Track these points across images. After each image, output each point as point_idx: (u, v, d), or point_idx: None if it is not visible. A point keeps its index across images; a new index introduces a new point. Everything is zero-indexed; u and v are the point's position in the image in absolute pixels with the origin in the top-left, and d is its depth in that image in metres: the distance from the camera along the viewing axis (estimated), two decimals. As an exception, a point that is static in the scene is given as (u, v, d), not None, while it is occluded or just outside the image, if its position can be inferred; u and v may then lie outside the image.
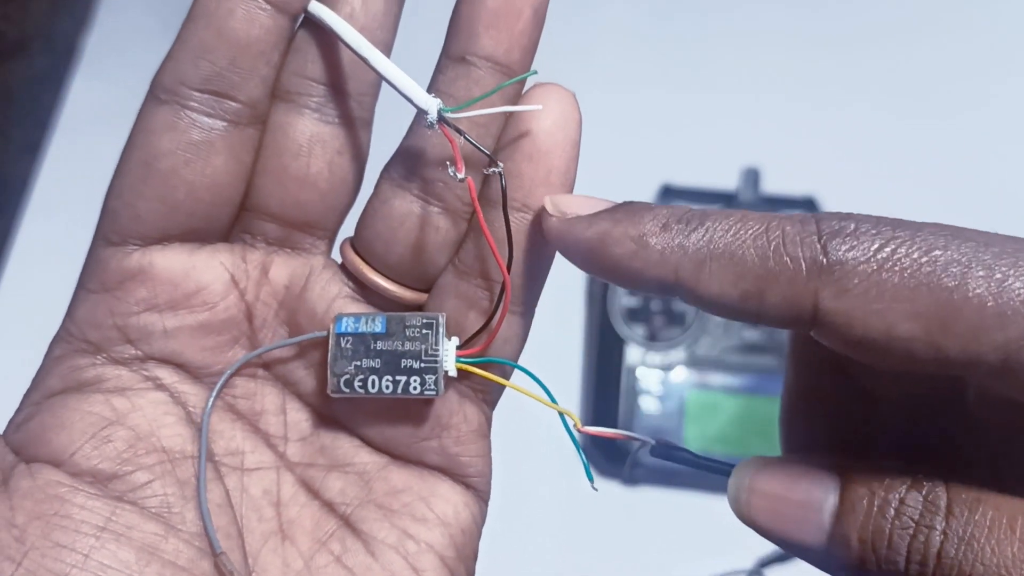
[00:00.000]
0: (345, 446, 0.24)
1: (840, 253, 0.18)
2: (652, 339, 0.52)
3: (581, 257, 0.21)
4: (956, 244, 0.18)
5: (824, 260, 0.18)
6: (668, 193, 0.56)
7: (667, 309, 0.52)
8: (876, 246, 0.18)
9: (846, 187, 0.56)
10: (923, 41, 0.62)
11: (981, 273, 0.17)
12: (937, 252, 0.18)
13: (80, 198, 0.54)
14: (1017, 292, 0.17)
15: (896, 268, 0.18)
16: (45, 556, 0.20)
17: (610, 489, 0.50)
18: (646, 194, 0.57)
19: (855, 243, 0.18)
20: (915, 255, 0.18)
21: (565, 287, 0.56)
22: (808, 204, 0.55)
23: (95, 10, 0.63)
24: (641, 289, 0.20)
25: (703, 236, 0.19)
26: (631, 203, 0.21)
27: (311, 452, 0.24)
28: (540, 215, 0.22)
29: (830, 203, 0.55)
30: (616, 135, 0.58)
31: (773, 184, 0.56)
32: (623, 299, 0.53)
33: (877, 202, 0.55)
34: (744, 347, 0.52)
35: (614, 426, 0.51)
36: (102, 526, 0.21)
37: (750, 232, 0.19)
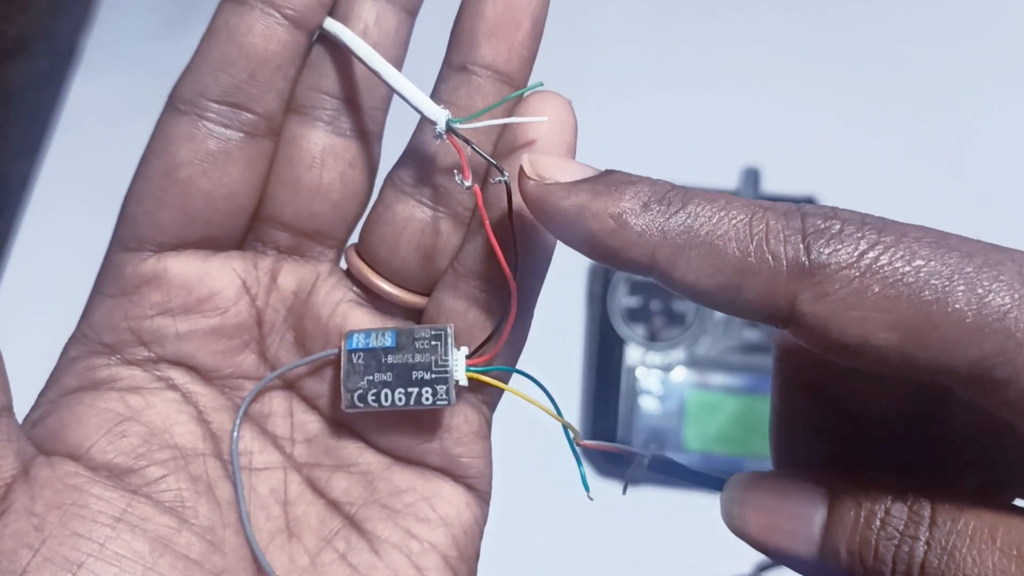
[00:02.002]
0: (349, 447, 0.25)
1: (823, 256, 0.18)
2: (652, 339, 0.52)
3: (557, 227, 0.21)
4: (940, 254, 0.18)
5: (806, 262, 0.18)
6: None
7: (667, 309, 0.53)
8: (860, 251, 0.18)
9: (846, 187, 0.56)
10: (924, 41, 0.62)
11: (962, 287, 0.17)
12: (920, 262, 0.17)
13: (80, 198, 0.54)
14: (996, 308, 0.17)
15: (878, 276, 0.17)
16: (62, 544, 0.21)
17: (610, 489, 0.50)
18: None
19: (839, 245, 0.18)
20: (898, 264, 0.17)
21: (565, 287, 0.56)
22: (808, 204, 0.55)
23: (95, 10, 0.63)
24: (615, 267, 0.20)
25: (684, 220, 0.19)
26: (612, 173, 0.20)
27: (316, 453, 0.25)
28: (519, 176, 0.21)
29: (830, 203, 0.55)
30: (616, 135, 0.58)
31: (773, 184, 0.56)
32: (623, 299, 0.53)
33: (877, 202, 0.55)
34: (744, 347, 0.52)
35: (614, 426, 0.51)
36: (118, 517, 0.22)
37: (733, 222, 0.18)
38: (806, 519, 0.20)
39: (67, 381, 0.24)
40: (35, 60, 0.62)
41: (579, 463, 0.24)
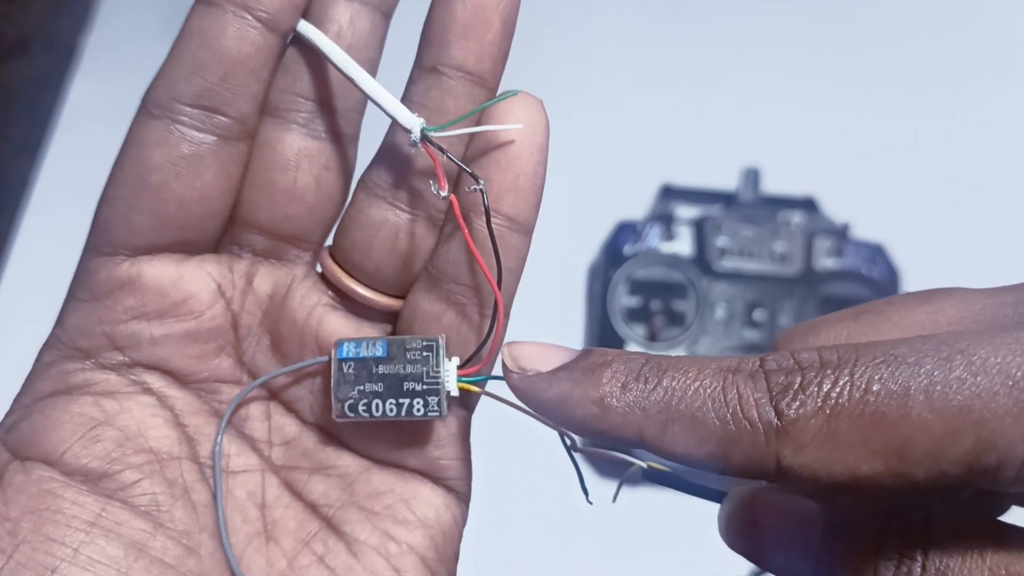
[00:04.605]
0: (327, 450, 0.25)
1: (792, 411, 0.18)
2: (652, 339, 0.52)
3: (545, 415, 0.21)
4: (891, 372, 0.18)
5: (778, 422, 0.18)
6: (668, 193, 0.56)
7: (667, 309, 0.52)
8: (823, 395, 0.18)
9: (846, 187, 0.56)
10: (923, 40, 0.62)
11: (921, 398, 0.18)
12: (876, 387, 0.18)
13: (80, 198, 0.54)
14: (958, 408, 0.17)
15: (843, 414, 0.18)
16: (36, 550, 0.21)
17: (608, 490, 0.49)
18: (646, 194, 0.57)
19: (803, 397, 0.18)
20: (857, 395, 0.18)
21: (565, 287, 0.56)
22: (808, 204, 0.55)
23: (95, 10, 0.63)
24: (608, 444, 0.21)
25: (663, 397, 0.19)
26: (589, 355, 0.21)
27: (294, 456, 0.25)
28: (503, 367, 0.22)
29: (830, 203, 0.55)
30: (616, 135, 0.58)
31: (773, 184, 0.56)
32: (623, 299, 0.53)
33: (877, 202, 0.55)
34: (744, 347, 0.52)
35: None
36: (92, 521, 0.22)
37: (708, 392, 0.19)
38: (804, 537, 0.20)
39: (41, 386, 0.24)
40: (35, 60, 0.62)
41: (578, 470, 0.24)
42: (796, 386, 0.19)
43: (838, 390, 0.18)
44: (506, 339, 0.24)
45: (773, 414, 0.19)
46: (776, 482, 0.19)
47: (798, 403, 0.18)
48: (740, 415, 0.19)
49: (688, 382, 0.19)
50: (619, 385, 0.20)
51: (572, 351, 0.21)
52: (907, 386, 0.18)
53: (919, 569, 0.19)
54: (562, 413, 0.20)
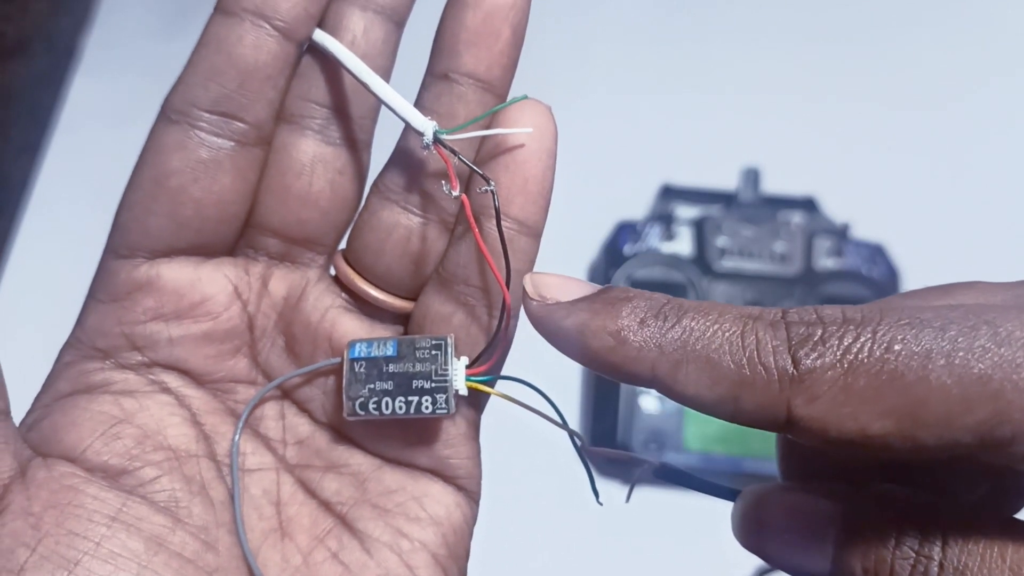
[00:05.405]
0: (340, 449, 0.25)
1: (809, 361, 0.18)
2: (652, 339, 0.52)
3: (560, 344, 0.21)
4: (914, 334, 0.18)
5: (794, 371, 0.18)
6: (668, 193, 0.56)
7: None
8: (842, 349, 0.18)
9: (846, 187, 0.56)
10: (924, 40, 0.62)
11: (942, 362, 0.18)
12: (897, 347, 0.18)
13: (80, 198, 0.54)
14: (978, 376, 0.17)
15: (861, 370, 0.18)
16: (59, 543, 0.21)
17: (610, 491, 0.49)
18: (646, 194, 0.57)
19: (823, 349, 0.18)
20: (877, 353, 0.18)
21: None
22: (808, 204, 0.55)
23: (95, 10, 0.63)
24: (620, 381, 0.20)
25: (680, 335, 0.19)
26: (609, 290, 0.21)
27: (308, 454, 0.25)
28: (523, 295, 0.22)
29: (830, 203, 0.55)
30: (616, 135, 0.58)
31: (773, 184, 0.56)
32: (623, 299, 0.53)
33: (877, 202, 0.55)
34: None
35: (614, 426, 0.51)
36: (113, 516, 0.22)
37: (726, 335, 0.19)
38: (819, 536, 0.20)
39: (61, 385, 0.24)
40: (35, 60, 0.62)
41: (588, 471, 0.24)
42: (816, 338, 0.19)
43: (859, 345, 0.18)
44: (514, 339, 0.25)
45: (790, 362, 0.18)
46: (785, 433, 0.19)
47: (816, 354, 0.18)
48: (756, 360, 0.19)
49: (708, 324, 0.19)
50: (637, 320, 0.20)
51: (594, 286, 0.21)
52: (929, 349, 0.18)
53: (936, 568, 0.19)
54: (578, 343, 0.20)
